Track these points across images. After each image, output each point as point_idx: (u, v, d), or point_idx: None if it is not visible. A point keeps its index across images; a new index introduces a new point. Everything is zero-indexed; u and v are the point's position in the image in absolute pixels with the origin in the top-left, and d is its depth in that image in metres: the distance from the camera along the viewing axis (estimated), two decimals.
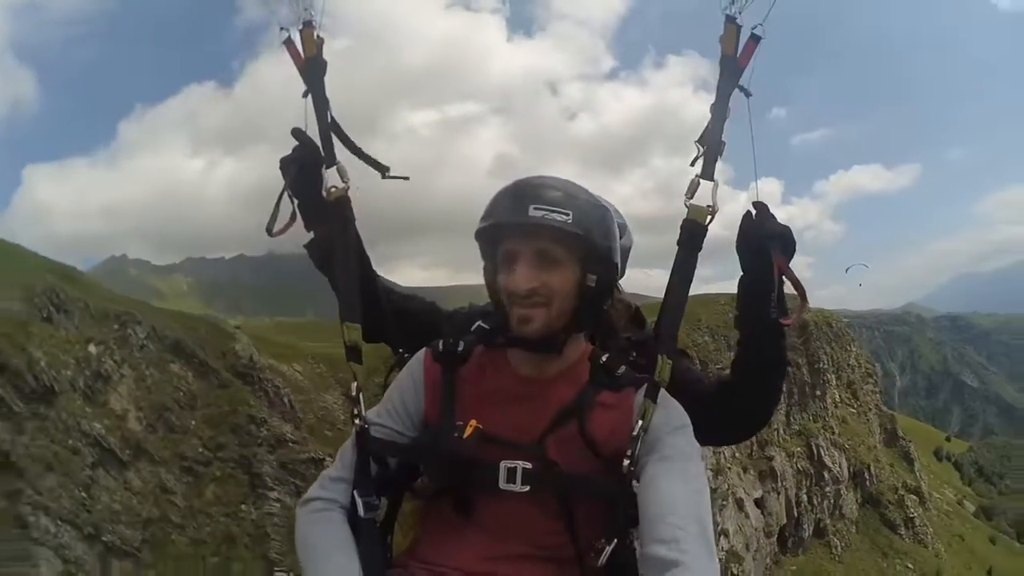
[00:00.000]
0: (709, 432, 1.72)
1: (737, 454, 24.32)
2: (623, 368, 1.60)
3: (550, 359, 1.60)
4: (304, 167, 1.73)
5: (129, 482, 22.75)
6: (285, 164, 1.75)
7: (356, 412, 1.60)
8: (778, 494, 26.55)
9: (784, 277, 1.62)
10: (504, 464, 1.51)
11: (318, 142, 1.72)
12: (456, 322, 1.82)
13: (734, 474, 23.89)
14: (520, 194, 1.53)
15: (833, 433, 30.77)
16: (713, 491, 21.70)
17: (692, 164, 1.60)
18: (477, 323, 1.73)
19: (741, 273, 1.69)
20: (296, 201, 1.77)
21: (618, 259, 1.64)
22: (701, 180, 1.56)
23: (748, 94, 1.61)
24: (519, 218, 1.51)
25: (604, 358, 1.60)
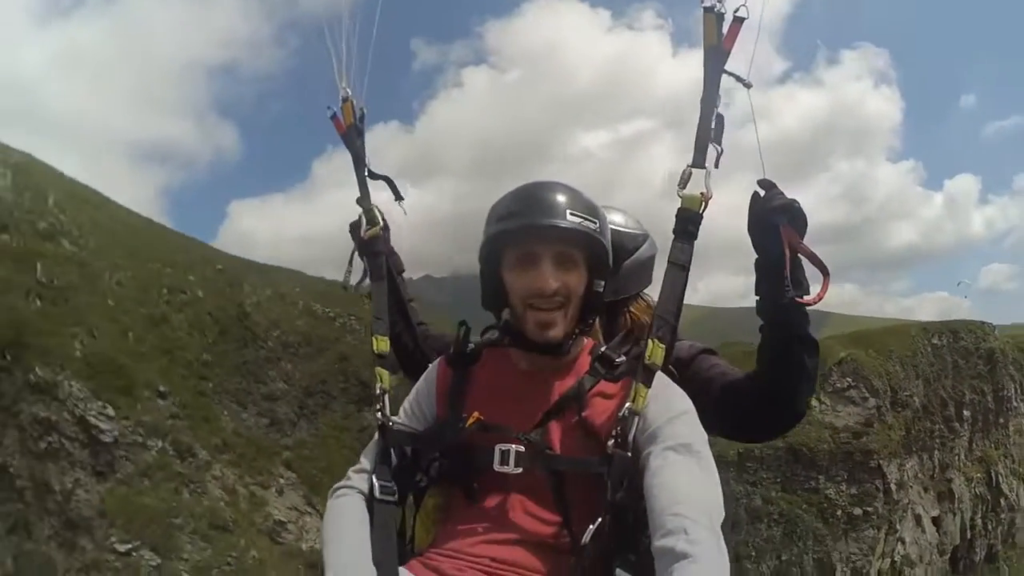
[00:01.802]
0: (742, 425, 1.78)
1: (920, 474, 25.44)
2: (622, 358, 1.61)
3: (552, 357, 1.63)
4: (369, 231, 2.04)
5: None
6: (353, 229, 2.06)
7: (379, 408, 1.72)
8: (954, 515, 27.26)
9: (799, 253, 1.60)
10: (498, 447, 1.54)
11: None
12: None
13: (915, 492, 25.24)
14: (551, 199, 1.57)
15: (1013, 461, 30.42)
16: (895, 503, 23.23)
17: (716, 166, 1.59)
18: (490, 328, 1.78)
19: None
20: (364, 259, 2.05)
21: (626, 270, 1.74)
22: (693, 169, 1.57)
23: (748, 85, 1.61)
24: (557, 222, 1.54)
25: (603, 349, 1.64)
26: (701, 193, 1.57)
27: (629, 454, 1.46)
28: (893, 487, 23.44)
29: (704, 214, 1.59)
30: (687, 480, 1.37)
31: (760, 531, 22.29)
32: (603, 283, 1.63)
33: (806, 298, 1.61)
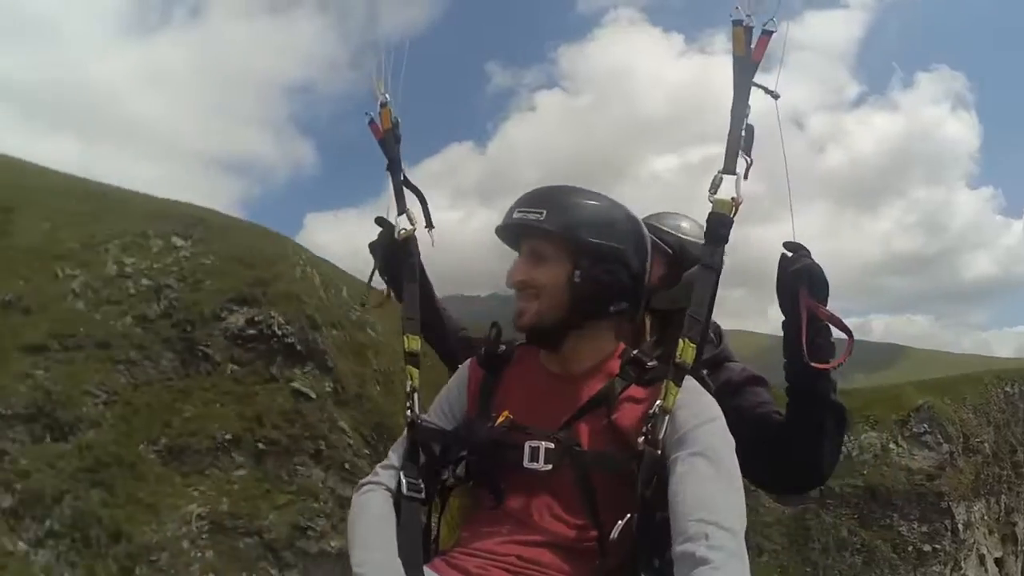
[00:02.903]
0: (763, 475, 1.74)
1: (986, 516, 27.63)
2: (654, 362, 1.59)
3: (570, 355, 1.63)
4: (389, 251, 2.03)
5: None
6: (373, 249, 2.07)
7: (409, 406, 1.72)
8: (1016, 557, 29.31)
9: (819, 316, 1.60)
10: (528, 444, 1.52)
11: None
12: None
13: (981, 533, 27.51)
14: (516, 201, 1.64)
15: None
16: (962, 542, 25.48)
17: (746, 177, 1.59)
18: None
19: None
20: (386, 278, 2.08)
21: (625, 259, 1.60)
22: (724, 175, 1.57)
23: (775, 96, 1.60)
24: (506, 220, 1.63)
25: (634, 353, 1.62)
26: (732, 198, 1.57)
27: (659, 452, 1.43)
28: (960, 527, 25.00)
29: (735, 219, 1.58)
30: (712, 487, 1.34)
31: (844, 558, 24.24)
32: (579, 272, 1.56)
33: (824, 364, 1.61)
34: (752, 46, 1.59)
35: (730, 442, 1.46)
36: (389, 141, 2.02)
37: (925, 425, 25.87)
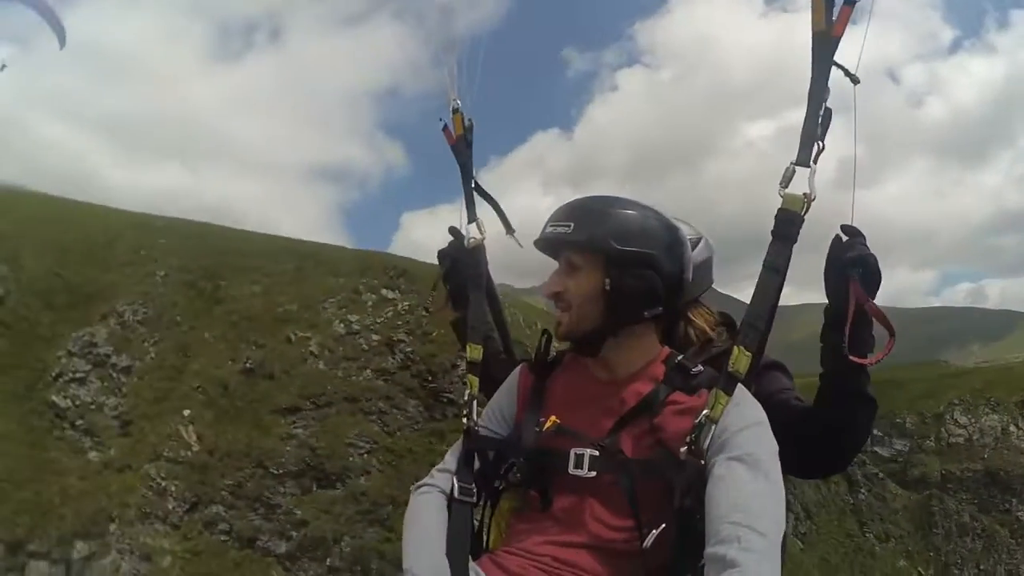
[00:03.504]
0: (789, 460, 1.63)
1: None
2: (700, 368, 1.59)
3: (612, 361, 1.66)
4: (456, 260, 2.09)
5: None
6: (442, 256, 2.13)
7: (467, 413, 1.78)
8: None
9: (866, 309, 1.55)
10: (574, 451, 1.57)
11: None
12: None
13: None
14: (550, 216, 1.68)
15: None
16: None
17: (815, 162, 1.49)
18: None
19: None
20: (446, 286, 2.14)
21: (656, 264, 1.58)
22: (796, 167, 1.48)
23: (856, 80, 1.49)
24: (540, 236, 1.69)
25: (679, 358, 1.63)
26: (804, 194, 1.47)
27: (702, 462, 1.43)
28: None
29: (806, 216, 1.48)
30: (749, 491, 1.34)
31: (966, 544, 25.26)
32: (609, 280, 1.58)
33: (863, 360, 1.57)
34: (833, 19, 1.48)
35: (773, 448, 1.45)
36: (460, 147, 2.07)
37: None
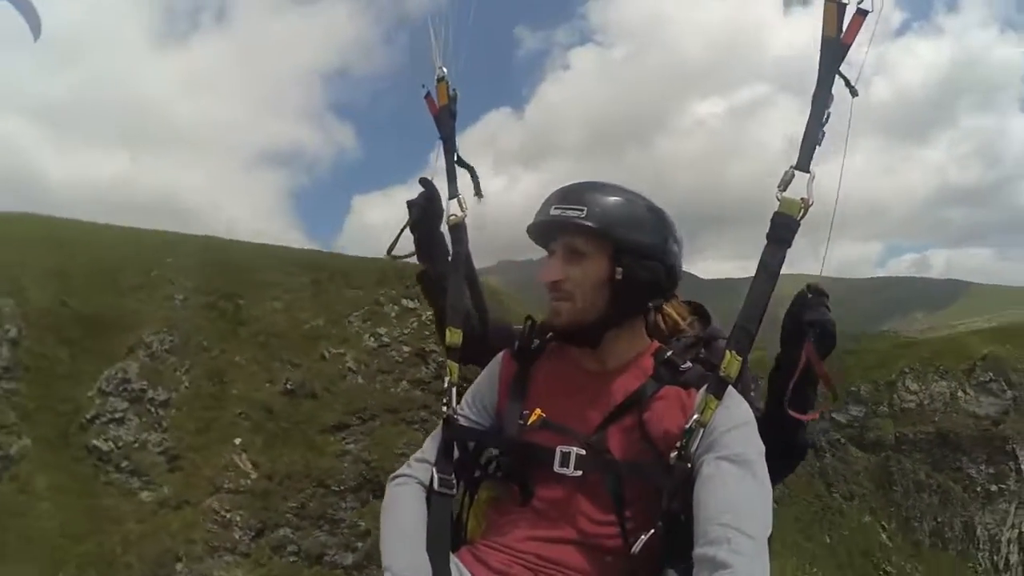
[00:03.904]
0: None
1: None
2: (688, 364, 1.59)
3: (606, 353, 1.64)
4: (425, 210, 1.97)
5: None
6: (410, 205, 1.99)
7: (446, 402, 1.73)
8: None
9: (815, 371, 1.57)
10: (559, 448, 1.54)
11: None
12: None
13: None
14: (549, 198, 1.62)
15: None
16: None
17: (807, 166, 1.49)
18: None
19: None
20: (414, 236, 2.01)
21: (661, 255, 1.60)
22: (796, 171, 1.47)
23: (854, 92, 1.48)
24: (542, 217, 1.61)
25: (668, 353, 1.61)
26: (802, 199, 1.47)
27: (689, 465, 1.43)
28: None
29: (802, 221, 1.48)
30: (737, 491, 1.35)
31: (923, 499, 27.76)
32: (621, 270, 1.56)
33: (801, 415, 1.60)
34: (843, 28, 1.46)
35: (760, 448, 1.46)
36: (444, 118, 1.95)
37: (990, 373, 28.92)
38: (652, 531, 1.45)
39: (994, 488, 28.39)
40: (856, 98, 1.51)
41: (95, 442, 18.30)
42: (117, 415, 18.71)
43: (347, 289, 21.53)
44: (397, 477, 1.74)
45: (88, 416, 18.59)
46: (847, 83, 1.49)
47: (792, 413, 1.59)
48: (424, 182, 2.01)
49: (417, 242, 2.04)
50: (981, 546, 27.50)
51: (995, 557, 27.39)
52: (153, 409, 19.04)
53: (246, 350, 20.01)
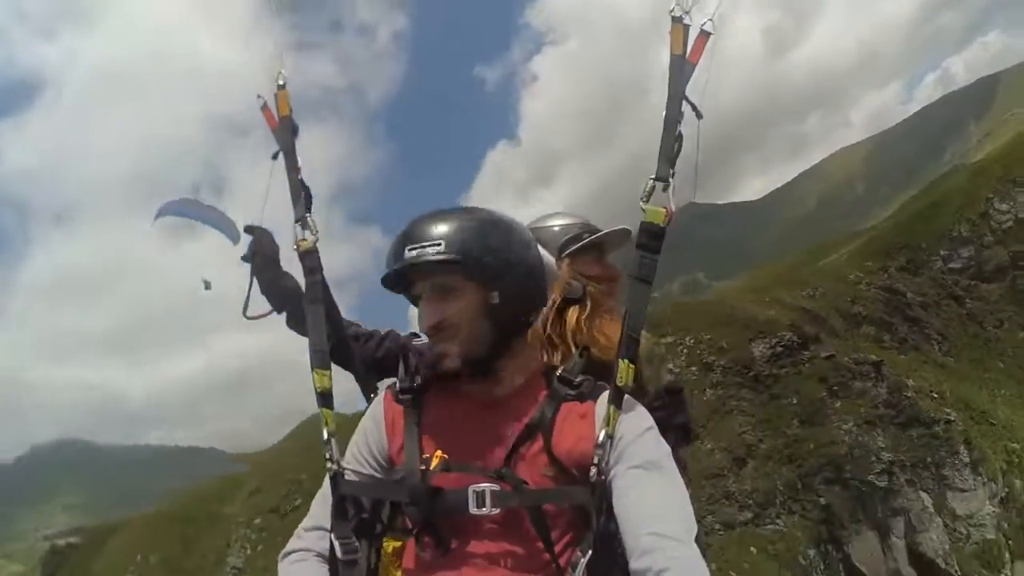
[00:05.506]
0: None
1: None
2: (581, 378, 1.56)
3: (497, 380, 1.56)
4: (263, 257, 1.91)
5: None
6: (248, 258, 1.92)
7: (328, 456, 1.54)
8: None
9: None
10: (472, 488, 1.43)
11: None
12: (420, 352, 1.82)
13: None
14: (399, 240, 1.51)
15: None
16: None
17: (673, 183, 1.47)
18: None
19: None
20: (261, 288, 1.92)
21: (528, 265, 1.55)
22: (656, 183, 1.47)
23: (699, 116, 1.49)
24: (398, 264, 1.49)
25: (560, 370, 1.58)
26: (665, 207, 1.47)
27: (603, 477, 1.41)
28: None
29: (667, 228, 1.47)
30: (656, 497, 1.35)
31: None
32: (496, 293, 1.49)
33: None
34: (688, 46, 1.49)
35: (666, 450, 1.46)
36: (284, 129, 1.73)
37: None
38: (590, 552, 1.40)
39: None
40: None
41: None
42: None
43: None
44: (290, 554, 1.57)
45: None
46: (693, 107, 1.49)
47: None
48: (249, 229, 1.94)
49: (264, 292, 1.96)
50: None
51: None
52: None
53: None
